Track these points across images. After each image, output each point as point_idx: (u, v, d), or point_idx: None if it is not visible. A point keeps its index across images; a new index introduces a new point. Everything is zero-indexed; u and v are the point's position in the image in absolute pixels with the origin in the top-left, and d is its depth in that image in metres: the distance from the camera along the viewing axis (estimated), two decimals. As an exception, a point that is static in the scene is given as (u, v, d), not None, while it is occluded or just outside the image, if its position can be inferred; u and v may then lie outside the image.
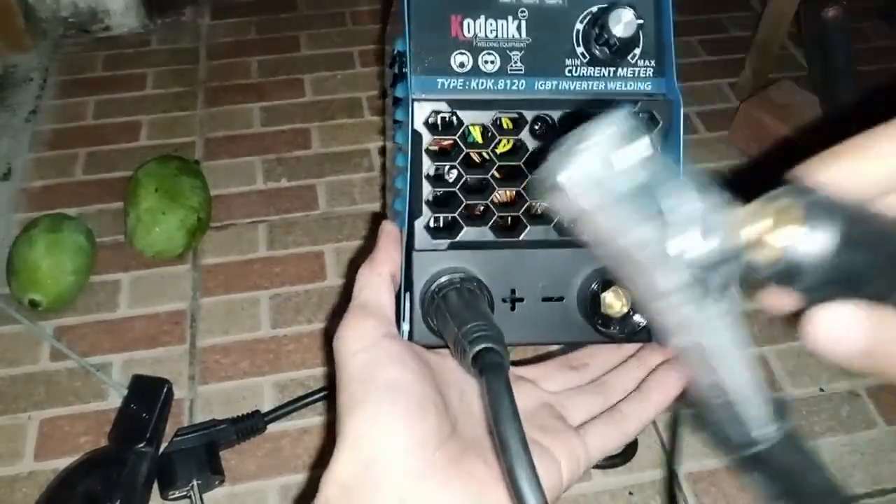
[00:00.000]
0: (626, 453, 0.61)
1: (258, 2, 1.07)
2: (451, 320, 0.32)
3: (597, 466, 0.60)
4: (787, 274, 0.19)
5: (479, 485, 0.30)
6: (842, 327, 0.20)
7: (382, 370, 0.31)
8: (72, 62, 0.98)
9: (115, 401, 0.63)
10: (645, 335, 0.35)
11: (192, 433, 0.59)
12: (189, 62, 0.98)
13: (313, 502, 0.30)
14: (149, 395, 0.61)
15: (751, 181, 0.81)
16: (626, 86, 0.35)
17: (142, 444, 0.57)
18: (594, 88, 0.35)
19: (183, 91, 0.94)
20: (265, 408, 0.63)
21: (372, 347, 0.32)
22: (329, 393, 0.64)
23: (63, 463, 0.59)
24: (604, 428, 0.35)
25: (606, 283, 0.34)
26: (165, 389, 0.62)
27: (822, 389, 0.67)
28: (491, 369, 0.29)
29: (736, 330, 0.21)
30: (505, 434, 0.26)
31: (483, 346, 0.29)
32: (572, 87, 0.35)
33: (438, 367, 0.34)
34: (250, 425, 0.61)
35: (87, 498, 0.54)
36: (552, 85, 0.35)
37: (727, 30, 1.05)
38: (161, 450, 0.58)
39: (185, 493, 0.56)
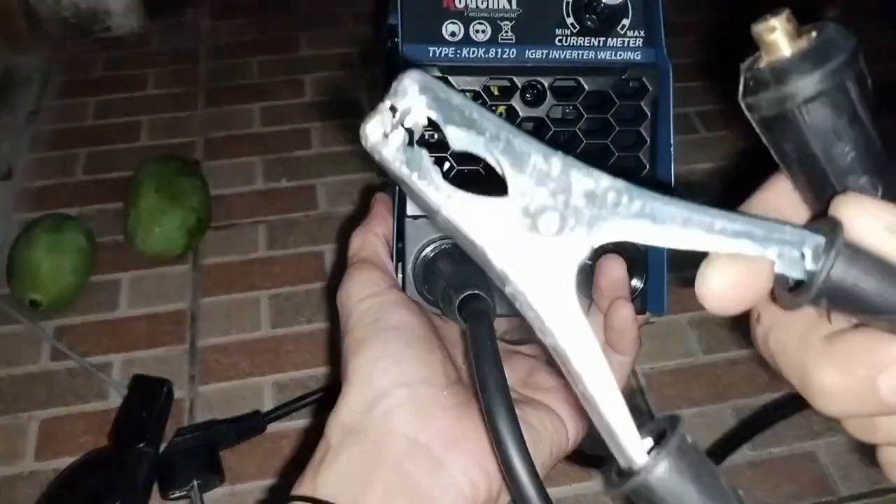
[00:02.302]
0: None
1: (258, 2, 1.07)
2: (441, 277, 0.32)
3: (597, 466, 0.60)
4: (769, 80, 0.19)
5: None
6: None
7: (389, 314, 0.31)
8: (72, 63, 0.98)
9: (115, 401, 0.63)
10: (638, 305, 0.35)
11: (192, 433, 0.59)
12: (189, 62, 0.98)
13: (317, 448, 0.29)
14: (149, 395, 0.61)
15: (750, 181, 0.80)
16: (615, 55, 0.35)
17: (142, 444, 0.57)
18: (584, 58, 0.35)
19: (183, 91, 0.94)
20: (265, 408, 0.63)
21: (378, 295, 0.32)
22: (329, 393, 0.64)
23: (63, 463, 0.59)
24: None
25: (598, 254, 0.34)
26: (165, 389, 0.62)
27: (821, 389, 0.67)
28: (475, 315, 0.29)
29: (591, 332, 0.19)
30: (485, 376, 0.27)
31: (468, 292, 0.30)
32: (562, 57, 0.35)
33: (441, 326, 0.34)
34: (250, 425, 0.61)
35: (87, 498, 0.54)
36: (542, 54, 0.35)
37: (727, 30, 1.05)
38: (161, 450, 0.59)
39: (185, 493, 0.56)
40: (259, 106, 0.92)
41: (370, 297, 0.32)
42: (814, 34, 0.19)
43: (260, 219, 0.79)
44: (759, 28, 0.19)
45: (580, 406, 0.32)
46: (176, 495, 0.56)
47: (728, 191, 0.82)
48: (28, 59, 0.97)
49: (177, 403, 0.63)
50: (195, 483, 0.56)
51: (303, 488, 0.29)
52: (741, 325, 0.71)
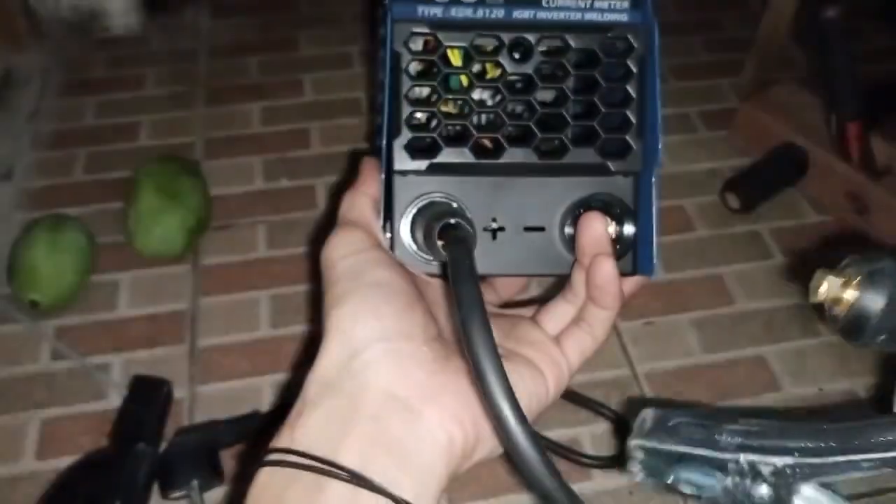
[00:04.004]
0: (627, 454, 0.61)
1: (258, 2, 1.07)
2: (426, 219, 0.33)
3: (597, 466, 0.60)
4: (856, 323, 0.23)
5: (470, 379, 0.30)
6: None
7: (371, 270, 0.31)
8: (72, 62, 0.98)
9: (115, 401, 0.63)
10: (629, 267, 0.36)
11: (192, 433, 0.59)
12: (189, 62, 0.98)
13: (294, 404, 0.29)
14: (149, 395, 0.61)
15: (751, 181, 0.81)
16: (602, 17, 0.36)
17: (142, 444, 0.57)
18: (570, 19, 0.36)
19: (183, 91, 0.94)
20: (265, 408, 0.63)
21: (360, 252, 0.32)
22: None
23: (64, 463, 0.59)
24: (578, 335, 0.35)
25: (580, 213, 0.35)
26: (165, 389, 0.62)
27: (821, 389, 0.67)
28: (454, 240, 0.30)
29: None
30: (461, 294, 0.27)
31: (448, 220, 0.31)
32: (549, 17, 0.36)
33: (424, 286, 0.34)
34: (250, 425, 0.61)
35: (87, 498, 0.54)
36: (529, 14, 0.36)
37: (727, 30, 1.05)
38: (161, 450, 0.59)
39: (185, 493, 0.56)
40: (259, 106, 0.92)
41: (352, 255, 0.32)
42: (856, 274, 0.23)
43: (260, 219, 0.79)
44: (820, 300, 0.24)
45: (560, 360, 0.33)
46: (176, 495, 0.56)
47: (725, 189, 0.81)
48: (28, 59, 0.97)
49: (177, 403, 0.63)
50: (195, 483, 0.56)
51: (280, 442, 0.29)
52: (742, 324, 0.71)
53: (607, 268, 0.33)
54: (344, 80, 0.96)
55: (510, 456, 0.26)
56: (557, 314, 0.36)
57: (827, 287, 0.23)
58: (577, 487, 0.59)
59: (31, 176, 0.83)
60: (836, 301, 0.23)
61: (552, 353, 0.34)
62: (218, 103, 0.92)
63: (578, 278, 0.35)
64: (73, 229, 0.71)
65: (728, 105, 0.92)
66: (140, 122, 0.89)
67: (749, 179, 0.81)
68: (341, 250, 0.32)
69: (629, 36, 0.35)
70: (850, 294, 0.23)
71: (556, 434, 0.62)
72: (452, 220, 0.31)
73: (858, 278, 0.23)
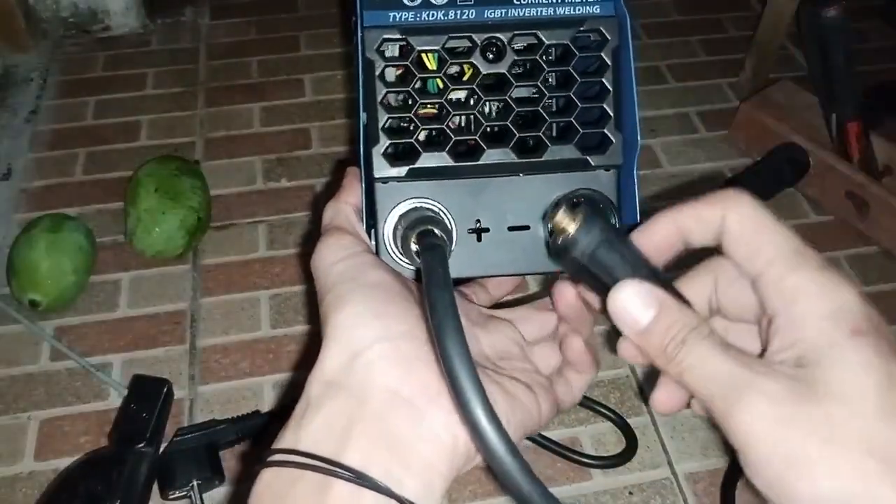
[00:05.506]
0: (626, 453, 0.61)
1: (258, 2, 1.07)
2: (404, 228, 0.34)
3: (597, 466, 0.60)
4: (565, 248, 0.29)
5: None
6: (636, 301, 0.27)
7: (367, 272, 0.32)
8: (72, 62, 0.98)
9: (115, 401, 0.63)
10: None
11: (192, 433, 0.59)
12: (189, 62, 0.98)
13: (297, 405, 0.30)
14: (149, 395, 0.61)
15: (751, 181, 0.81)
16: (574, 10, 0.36)
17: (142, 444, 0.57)
18: (542, 14, 0.36)
19: (183, 91, 0.94)
20: (265, 408, 0.63)
21: (352, 256, 0.32)
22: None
23: (63, 463, 0.59)
24: (560, 387, 0.36)
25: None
26: (165, 389, 0.62)
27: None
28: (428, 247, 0.31)
29: None
30: (434, 298, 0.27)
31: (423, 228, 0.32)
32: (521, 15, 0.36)
33: (417, 288, 0.34)
34: (250, 425, 0.61)
35: (87, 498, 0.54)
36: (501, 13, 0.36)
37: (727, 30, 1.05)
38: (161, 450, 0.59)
39: (185, 493, 0.56)
40: (259, 106, 0.92)
41: (345, 259, 0.32)
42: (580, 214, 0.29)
43: (260, 219, 0.79)
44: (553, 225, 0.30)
45: (552, 386, 0.35)
46: (176, 495, 0.56)
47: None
48: (27, 59, 0.97)
49: (177, 403, 0.63)
50: (195, 483, 0.56)
51: (284, 442, 0.29)
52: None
53: (576, 345, 0.34)
54: (344, 80, 0.96)
55: (491, 468, 0.25)
56: (547, 356, 0.36)
57: (559, 218, 0.29)
58: (577, 487, 0.59)
59: (30, 176, 0.83)
60: (561, 230, 0.29)
61: (544, 382, 0.35)
62: (218, 103, 0.92)
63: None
64: (73, 229, 0.71)
65: (728, 105, 0.92)
66: (140, 122, 0.89)
67: (749, 179, 0.81)
68: (334, 255, 0.33)
69: (602, 28, 0.35)
70: (571, 227, 0.29)
71: (556, 434, 0.62)
72: (425, 228, 0.32)
73: (580, 217, 0.29)
